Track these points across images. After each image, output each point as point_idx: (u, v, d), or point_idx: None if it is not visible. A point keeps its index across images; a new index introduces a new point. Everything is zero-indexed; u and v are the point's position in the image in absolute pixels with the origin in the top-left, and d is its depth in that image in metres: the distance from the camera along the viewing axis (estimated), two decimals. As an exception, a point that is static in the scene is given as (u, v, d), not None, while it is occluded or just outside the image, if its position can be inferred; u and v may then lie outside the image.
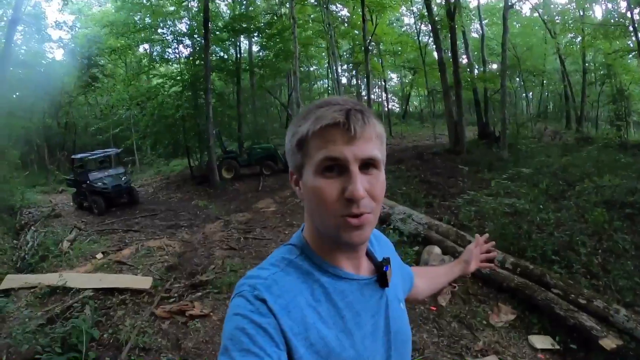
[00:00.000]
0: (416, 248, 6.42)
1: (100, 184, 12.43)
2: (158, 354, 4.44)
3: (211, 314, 5.13)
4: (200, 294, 5.72)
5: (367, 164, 0.82)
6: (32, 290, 6.43)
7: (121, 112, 19.52)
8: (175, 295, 5.74)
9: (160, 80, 18.36)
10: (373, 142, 0.83)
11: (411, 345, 1.04)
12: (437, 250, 6.16)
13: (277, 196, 11.33)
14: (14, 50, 18.32)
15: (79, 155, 13.75)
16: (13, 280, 7.04)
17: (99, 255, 7.70)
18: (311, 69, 22.97)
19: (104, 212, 12.08)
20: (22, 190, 14.56)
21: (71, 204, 13.90)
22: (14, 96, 22.21)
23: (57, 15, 46.58)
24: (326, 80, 23.85)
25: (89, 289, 5.82)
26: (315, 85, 26.49)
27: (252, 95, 19.83)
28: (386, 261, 0.97)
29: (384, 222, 7.31)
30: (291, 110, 12.59)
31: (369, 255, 0.99)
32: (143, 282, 6.04)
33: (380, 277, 0.95)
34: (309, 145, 0.82)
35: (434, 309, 5.04)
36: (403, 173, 10.95)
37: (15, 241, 10.16)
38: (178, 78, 17.70)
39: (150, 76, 19.52)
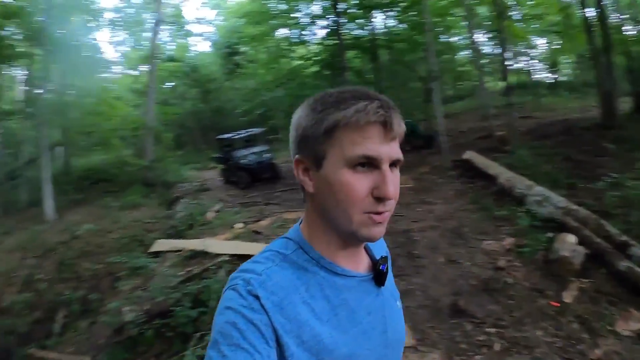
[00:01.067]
0: (549, 234, 5.57)
1: (244, 160, 13.19)
2: None
3: None
4: None
5: (394, 164, 0.82)
6: (177, 253, 7.14)
7: (265, 94, 20.56)
8: None
9: (299, 62, 18.88)
10: (398, 143, 0.82)
11: (404, 343, 1.02)
12: (571, 238, 5.21)
13: (414, 172, 10.98)
14: (161, 47, 20.44)
15: (225, 135, 14.73)
16: (162, 244, 7.94)
17: (239, 225, 8.18)
18: (451, 39, 21.64)
19: (248, 187, 12.82)
20: (176, 167, 16.23)
21: (219, 179, 15.04)
22: (167, 86, 25.01)
23: (199, 12, 51.72)
24: (468, 51, 22.31)
25: (226, 254, 6.24)
26: (458, 57, 24.97)
27: (390, 71, 19.45)
28: (383, 260, 0.96)
29: (520, 202, 6.65)
30: (431, 84, 12.00)
31: (367, 252, 0.98)
32: None
33: (377, 275, 0.93)
34: (340, 136, 0.79)
35: (556, 304, 4.33)
36: (547, 150, 9.85)
37: (168, 211, 11.41)
38: (315, 58, 18.01)
39: (290, 59, 20.21)
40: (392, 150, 0.80)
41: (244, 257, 5.98)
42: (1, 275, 8.37)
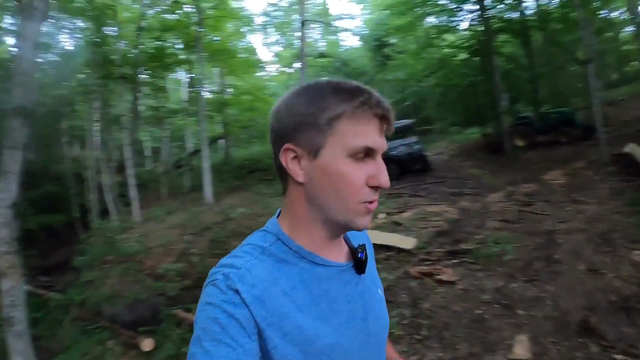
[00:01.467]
0: None
1: (394, 152, 13.11)
2: (396, 307, 4.47)
3: (458, 282, 4.89)
4: (456, 261, 5.53)
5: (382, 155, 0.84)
6: None
7: (415, 84, 20.26)
8: (434, 258, 5.74)
9: (448, 50, 18.28)
10: None
11: (388, 330, 1.01)
12: None
13: (567, 167, 9.90)
14: (312, 45, 21.11)
15: None
16: None
17: (381, 215, 8.16)
18: (613, 14, 19.01)
19: (397, 178, 12.62)
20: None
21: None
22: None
23: (345, 8, 53.97)
24: (632, 27, 19.30)
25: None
26: (621, 34, 21.91)
27: (545, 54, 17.79)
28: (361, 247, 0.94)
29: None
30: (590, 66, 10.63)
31: (346, 241, 0.96)
32: (407, 242, 6.21)
33: (357, 263, 0.91)
34: (340, 127, 0.79)
35: None
36: None
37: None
38: (465, 45, 17.24)
39: (439, 47, 19.67)
40: (385, 142, 0.82)
41: (381, 247, 6.08)
42: (162, 247, 9.31)
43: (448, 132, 21.11)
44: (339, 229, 0.85)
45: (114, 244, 9.91)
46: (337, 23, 26.49)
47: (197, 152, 20.84)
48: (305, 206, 0.84)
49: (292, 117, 0.81)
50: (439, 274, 5.02)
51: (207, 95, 16.02)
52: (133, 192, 12.53)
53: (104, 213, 13.93)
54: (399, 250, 5.99)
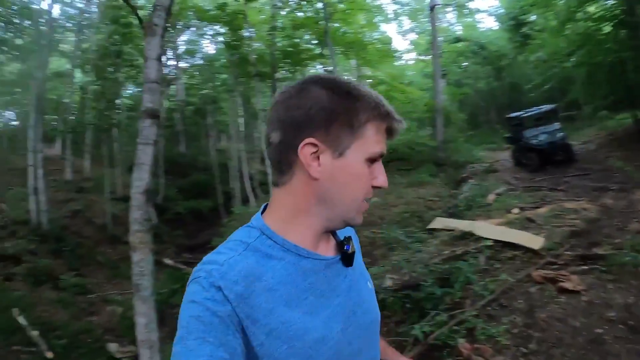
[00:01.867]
0: None
1: (535, 140, 12.04)
2: (510, 313, 4.18)
3: (583, 292, 4.34)
4: (585, 267, 4.89)
5: None
6: (449, 232, 7.15)
7: (557, 64, 18.21)
8: (561, 262, 5.14)
9: (591, 24, 15.83)
10: None
11: (379, 323, 1.02)
12: None
13: None
14: (447, 30, 20.09)
15: (514, 114, 13.64)
16: (439, 222, 8.08)
17: (515, 210, 7.64)
18: None
19: (537, 169, 11.74)
20: (467, 148, 16.01)
21: (510, 160, 14.14)
22: (461, 67, 24.76)
23: None
24: None
25: (490, 239, 5.93)
26: None
27: None
28: (347, 240, 0.95)
29: None
30: None
31: (332, 235, 0.98)
32: (535, 241, 5.65)
33: (344, 256, 0.93)
34: (366, 131, 0.83)
35: None
36: None
37: (453, 191, 11.39)
38: (609, 15, 14.66)
39: (581, 20, 17.22)
40: None
41: (508, 245, 5.70)
42: None
43: (596, 118, 18.46)
44: (338, 225, 0.88)
45: None
46: (471, 4, 24.98)
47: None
48: (312, 202, 0.85)
49: (321, 111, 0.81)
50: (563, 281, 4.53)
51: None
52: (269, 179, 13.38)
53: (246, 200, 15.31)
54: (526, 249, 5.53)
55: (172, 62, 22.28)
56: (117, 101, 18.13)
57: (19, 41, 14.37)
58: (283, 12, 16.80)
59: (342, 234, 0.99)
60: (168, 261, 11.77)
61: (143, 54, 4.47)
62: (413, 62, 25.82)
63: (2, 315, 6.72)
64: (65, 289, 8.58)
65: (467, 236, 6.46)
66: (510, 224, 6.75)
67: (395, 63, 22.02)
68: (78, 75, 20.34)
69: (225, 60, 18.37)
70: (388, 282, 5.75)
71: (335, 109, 0.81)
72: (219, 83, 20.56)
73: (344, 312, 0.88)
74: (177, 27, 19.89)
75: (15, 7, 14.33)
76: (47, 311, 7.52)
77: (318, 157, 0.82)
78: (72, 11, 19.34)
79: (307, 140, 0.80)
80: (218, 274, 0.76)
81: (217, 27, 17.96)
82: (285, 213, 0.86)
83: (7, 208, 11.61)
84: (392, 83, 17.68)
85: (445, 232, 7.39)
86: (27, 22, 13.87)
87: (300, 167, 0.83)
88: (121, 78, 17.32)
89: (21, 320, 6.62)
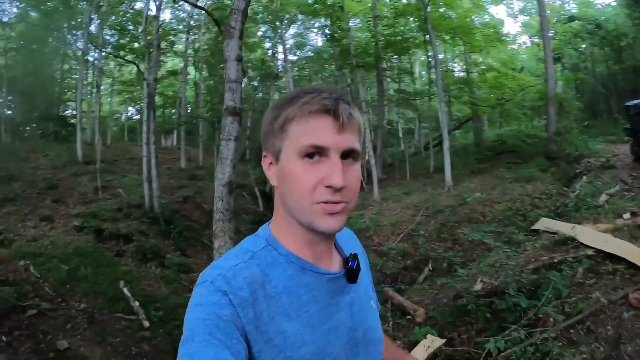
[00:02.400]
0: None
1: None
2: (593, 340, 3.71)
3: None
4: None
5: (347, 155, 0.83)
6: (552, 235, 6.74)
7: None
8: None
9: None
10: (354, 134, 0.85)
11: (382, 344, 1.02)
12: None
13: None
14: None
15: (633, 102, 11.80)
16: (543, 223, 7.64)
17: (627, 215, 6.79)
18: None
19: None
20: (583, 139, 14.53)
21: (629, 155, 12.61)
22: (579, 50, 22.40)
23: None
24: None
25: (592, 247, 5.38)
26: None
27: None
28: (353, 257, 0.95)
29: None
30: None
31: (338, 250, 0.98)
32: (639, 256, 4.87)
33: (348, 272, 0.93)
34: (291, 129, 0.83)
35: None
36: None
37: (565, 188, 10.54)
38: None
39: None
40: (342, 140, 0.81)
41: (610, 256, 5.06)
42: (392, 225, 9.90)
43: None
44: (309, 231, 0.86)
45: (349, 219, 10.96)
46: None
47: (448, 133, 20.88)
48: (282, 209, 0.88)
49: (262, 128, 0.90)
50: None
51: (455, 74, 15.78)
52: (374, 172, 13.46)
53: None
54: (629, 264, 4.81)
55: (281, 56, 22.91)
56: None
57: (134, 45, 15.71)
58: (386, 0, 16.55)
59: (348, 248, 1.00)
60: None
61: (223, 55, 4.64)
62: (527, 45, 23.83)
63: (110, 285, 7.59)
64: (169, 267, 9.35)
65: (568, 242, 5.96)
66: (618, 230, 6.08)
67: (507, 47, 20.60)
68: (192, 72, 21.76)
69: (332, 52, 18.59)
70: (478, 286, 5.49)
71: (266, 122, 0.88)
72: (327, 74, 20.92)
73: (344, 328, 0.89)
74: (284, 21, 20.41)
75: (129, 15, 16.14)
76: (150, 285, 8.29)
77: (271, 166, 0.88)
78: (182, 14, 20.85)
79: (263, 153, 0.90)
80: (224, 279, 0.78)
81: (322, 20, 18.20)
82: (276, 223, 0.91)
83: (123, 193, 12.83)
84: (501, 69, 16.49)
85: (548, 234, 6.95)
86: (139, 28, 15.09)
87: (269, 179, 0.91)
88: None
89: (126, 291, 7.44)
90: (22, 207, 10.65)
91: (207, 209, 14.73)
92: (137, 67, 12.72)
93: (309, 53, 23.61)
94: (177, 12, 20.86)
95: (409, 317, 5.58)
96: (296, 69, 25.01)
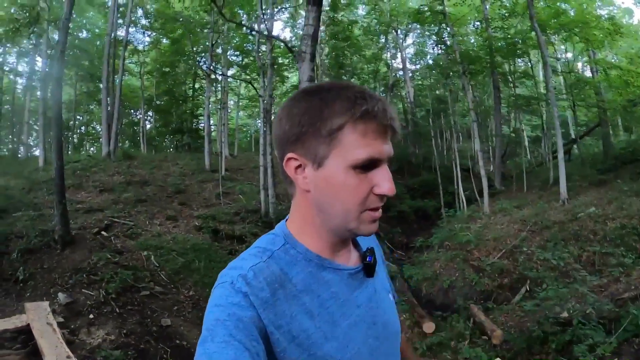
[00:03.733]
0: None
1: None
2: None
3: None
4: None
5: (388, 161, 0.84)
6: None
7: None
8: None
9: None
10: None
11: (400, 336, 1.03)
12: None
13: None
14: None
15: None
16: None
17: None
18: None
19: None
20: None
21: None
22: None
23: None
24: None
25: None
26: None
27: None
28: (370, 251, 0.96)
29: None
30: None
31: (355, 245, 0.99)
32: None
33: (366, 266, 0.93)
34: (344, 137, 0.78)
35: None
36: None
37: None
38: None
39: None
40: (389, 148, 0.82)
41: None
42: (495, 240, 9.49)
43: None
44: (345, 235, 0.87)
45: (454, 232, 10.83)
46: None
47: (574, 141, 19.13)
48: (313, 213, 0.86)
49: (295, 126, 0.82)
50: None
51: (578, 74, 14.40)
52: (485, 183, 12.92)
53: (473, 200, 14.92)
54: None
55: (398, 66, 23.02)
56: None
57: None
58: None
59: (364, 243, 1.00)
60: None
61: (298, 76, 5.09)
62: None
63: (221, 280, 8.68)
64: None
65: None
66: None
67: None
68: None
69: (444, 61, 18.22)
70: (564, 313, 5.27)
71: (307, 121, 0.81)
72: (448, 82, 20.62)
73: (365, 323, 0.89)
74: (398, 30, 20.60)
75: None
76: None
77: (304, 170, 0.84)
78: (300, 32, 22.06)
79: (288, 155, 0.84)
80: (244, 280, 0.78)
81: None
82: (298, 224, 0.89)
83: (242, 199, 14.12)
84: (626, 67, 14.51)
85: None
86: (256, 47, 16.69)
87: (295, 181, 0.86)
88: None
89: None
90: (152, 207, 12.40)
91: None
92: (252, 85, 13.99)
93: (430, 62, 23.38)
94: (297, 31, 22.11)
95: (485, 337, 5.58)
96: (418, 77, 24.93)
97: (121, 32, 19.72)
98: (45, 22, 14.15)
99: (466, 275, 8.40)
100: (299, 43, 5.15)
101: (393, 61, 23.49)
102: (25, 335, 5.22)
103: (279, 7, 17.28)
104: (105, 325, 6.37)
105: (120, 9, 19.24)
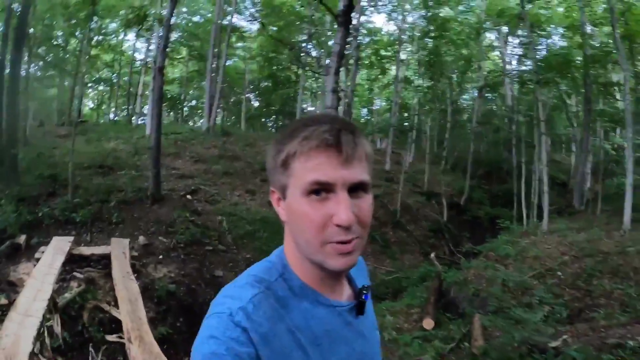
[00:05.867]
0: None
1: None
2: None
3: None
4: None
5: (356, 188, 0.80)
6: None
7: None
8: None
9: None
10: (362, 165, 0.81)
11: None
12: None
13: None
14: None
15: None
16: None
17: None
18: None
19: None
20: None
21: None
22: None
23: None
24: None
25: None
26: None
27: None
28: (366, 289, 0.96)
29: None
30: None
31: (349, 280, 0.98)
32: None
33: (359, 304, 0.93)
34: (294, 166, 0.79)
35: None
36: None
37: None
38: None
39: None
40: (348, 174, 0.78)
41: None
42: (533, 259, 9.62)
43: None
44: (320, 268, 0.84)
45: (503, 244, 11.03)
46: None
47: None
48: (292, 244, 0.86)
49: (269, 162, 0.86)
50: None
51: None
52: (545, 199, 12.67)
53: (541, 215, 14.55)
54: None
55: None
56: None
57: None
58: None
59: (359, 278, 1.00)
60: (432, 257, 12.62)
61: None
62: None
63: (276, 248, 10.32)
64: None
65: None
66: None
67: None
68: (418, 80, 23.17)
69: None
70: (556, 343, 5.34)
71: (270, 156, 0.85)
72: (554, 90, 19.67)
73: (353, 359, 0.89)
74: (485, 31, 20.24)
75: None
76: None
77: (280, 202, 0.85)
78: (405, 26, 22.45)
79: (271, 188, 0.87)
80: (244, 313, 0.76)
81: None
82: (290, 255, 0.88)
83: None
84: None
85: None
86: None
87: (277, 212, 0.88)
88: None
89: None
90: (236, 180, 14.12)
91: (391, 209, 16.15)
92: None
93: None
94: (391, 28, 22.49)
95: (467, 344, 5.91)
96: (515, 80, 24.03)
97: (230, 18, 21.75)
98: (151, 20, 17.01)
99: (491, 287, 8.53)
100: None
101: (483, 63, 22.95)
102: (106, 260, 7.26)
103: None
104: (169, 265, 8.24)
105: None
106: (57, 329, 5.23)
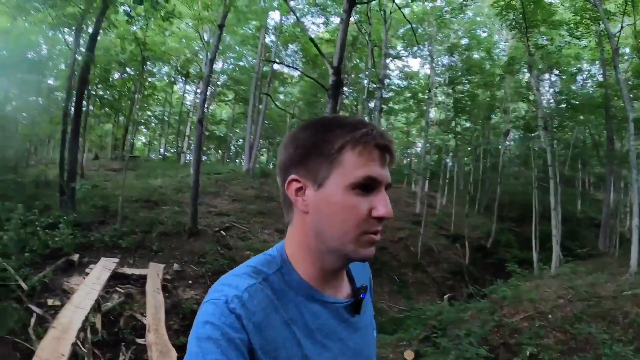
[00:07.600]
0: None
1: None
2: None
3: None
4: None
5: (386, 187, 0.86)
6: None
7: None
8: None
9: None
10: (388, 169, 0.88)
11: None
12: None
13: None
14: None
15: None
16: None
17: None
18: None
19: None
20: None
21: None
22: None
23: None
24: None
25: None
26: None
27: None
28: (364, 289, 0.98)
29: None
30: None
31: (350, 279, 1.01)
32: None
33: (356, 302, 0.95)
34: (344, 158, 0.83)
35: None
36: None
37: None
38: None
39: None
40: (388, 175, 0.85)
41: None
42: (530, 302, 9.72)
43: None
44: (342, 259, 0.87)
45: (504, 286, 11.32)
46: None
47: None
48: (310, 236, 0.87)
49: (299, 149, 0.86)
50: None
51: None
52: (556, 241, 12.72)
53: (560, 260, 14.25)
54: None
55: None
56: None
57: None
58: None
59: (360, 277, 1.03)
60: (445, 298, 13.26)
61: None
62: None
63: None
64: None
65: None
66: None
67: None
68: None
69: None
70: None
71: (310, 144, 0.85)
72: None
73: (346, 357, 0.90)
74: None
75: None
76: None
77: (304, 192, 0.86)
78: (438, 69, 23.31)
79: (291, 177, 0.86)
80: (239, 301, 0.78)
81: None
82: (294, 249, 0.90)
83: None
84: None
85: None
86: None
87: (294, 204, 0.88)
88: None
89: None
90: (268, 220, 15.35)
91: (413, 251, 16.52)
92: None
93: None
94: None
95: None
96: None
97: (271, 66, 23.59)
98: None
99: (482, 327, 8.71)
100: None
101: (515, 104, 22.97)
102: (144, 280, 8.74)
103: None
104: (196, 289, 9.72)
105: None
106: (99, 327, 6.98)
